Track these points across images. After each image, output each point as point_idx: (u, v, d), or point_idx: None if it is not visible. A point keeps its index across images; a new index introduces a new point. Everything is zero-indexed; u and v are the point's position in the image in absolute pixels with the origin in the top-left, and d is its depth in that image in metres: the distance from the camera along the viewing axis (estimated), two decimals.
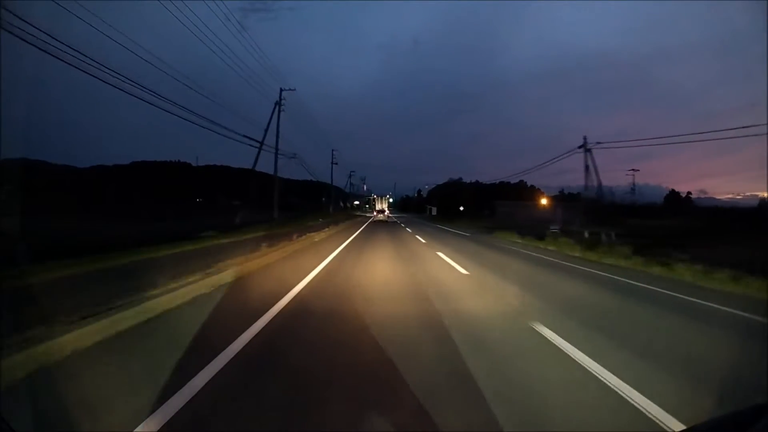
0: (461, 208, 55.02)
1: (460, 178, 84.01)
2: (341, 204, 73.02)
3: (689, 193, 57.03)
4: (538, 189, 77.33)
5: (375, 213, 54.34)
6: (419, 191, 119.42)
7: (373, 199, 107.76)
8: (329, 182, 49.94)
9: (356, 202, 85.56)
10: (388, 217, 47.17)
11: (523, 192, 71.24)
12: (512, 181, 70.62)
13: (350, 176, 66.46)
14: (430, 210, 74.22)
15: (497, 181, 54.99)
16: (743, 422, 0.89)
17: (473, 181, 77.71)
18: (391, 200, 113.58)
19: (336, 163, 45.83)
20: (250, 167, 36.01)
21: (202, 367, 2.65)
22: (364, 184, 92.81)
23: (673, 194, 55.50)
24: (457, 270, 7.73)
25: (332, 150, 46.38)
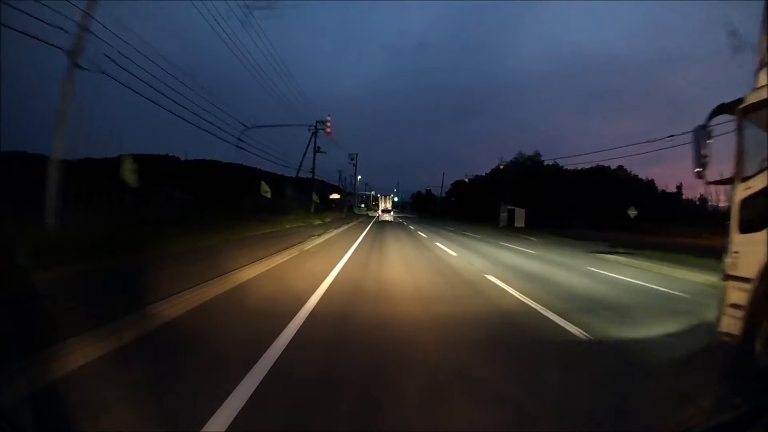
0: (632, 212, 23.74)
1: (538, 153, 47.51)
2: (339, 202, 55.37)
3: None
4: (650, 180, 54.01)
5: (379, 212, 54.92)
6: (428, 189, 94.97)
7: (374, 199, 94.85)
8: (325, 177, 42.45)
9: (335, 196, 57.36)
10: (394, 218, 45.77)
11: (635, 181, 50.31)
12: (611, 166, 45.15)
13: (315, 132, 29.43)
14: (511, 214, 36.16)
15: (590, 164, 32.93)
16: (743, 422, 0.98)
17: (550, 162, 44.10)
18: (396, 199, 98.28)
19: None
20: (239, 162, 34.99)
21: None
22: (355, 168, 57.83)
23: None
24: None
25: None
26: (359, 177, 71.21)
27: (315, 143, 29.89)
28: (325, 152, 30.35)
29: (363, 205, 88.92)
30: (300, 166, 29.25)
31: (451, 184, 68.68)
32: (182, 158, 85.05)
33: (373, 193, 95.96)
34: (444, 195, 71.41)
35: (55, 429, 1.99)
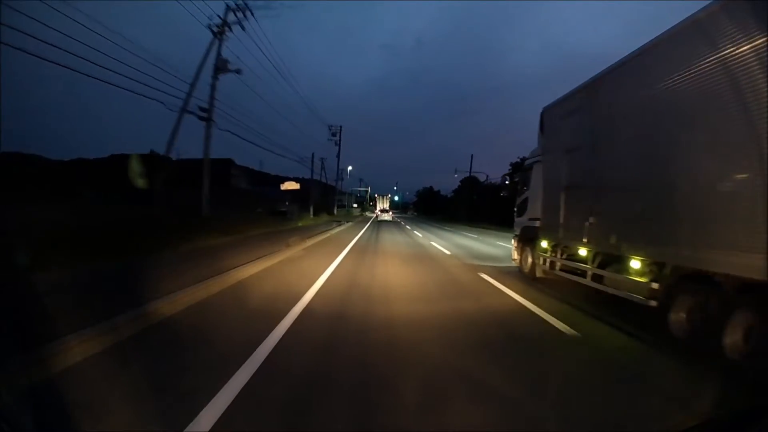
0: None
1: None
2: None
3: None
4: None
5: (378, 212, 56.76)
6: (430, 187, 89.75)
7: (372, 198, 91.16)
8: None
9: (291, 185, 38.94)
10: (393, 218, 46.18)
11: None
12: None
13: (221, 31, 12.96)
14: None
15: None
16: (743, 422, 0.94)
17: None
18: (396, 198, 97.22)
19: None
20: (226, 158, 32.99)
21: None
22: (338, 147, 37.79)
23: None
24: None
25: None
26: (350, 168, 55.22)
27: (219, 53, 13.49)
28: (238, 71, 14.10)
29: (356, 205, 72.88)
30: (189, 93, 12.75)
31: (460, 181, 55.46)
32: (173, 157, 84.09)
33: (368, 190, 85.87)
34: (452, 192, 61.37)
35: (53, 427, 1.95)
